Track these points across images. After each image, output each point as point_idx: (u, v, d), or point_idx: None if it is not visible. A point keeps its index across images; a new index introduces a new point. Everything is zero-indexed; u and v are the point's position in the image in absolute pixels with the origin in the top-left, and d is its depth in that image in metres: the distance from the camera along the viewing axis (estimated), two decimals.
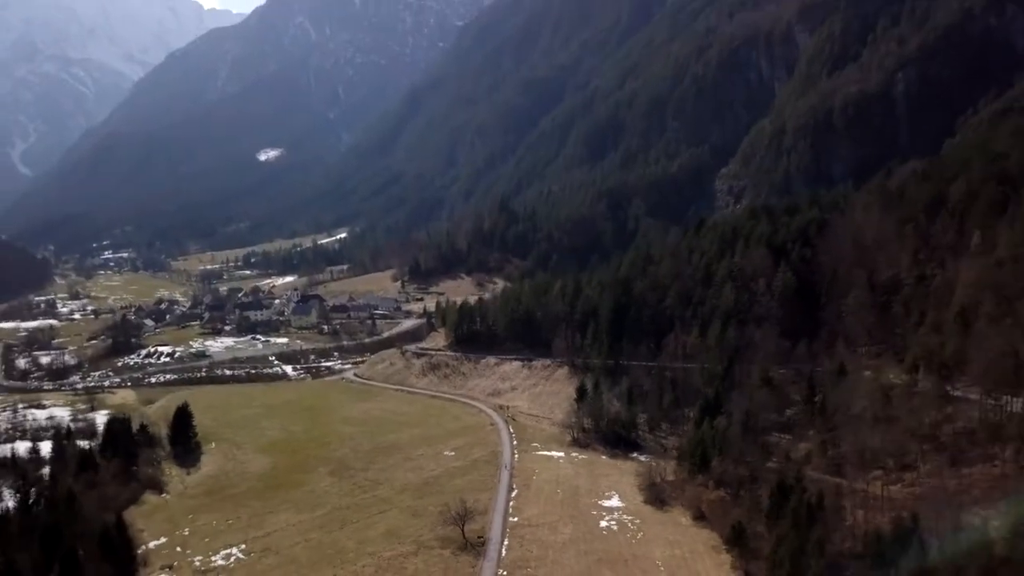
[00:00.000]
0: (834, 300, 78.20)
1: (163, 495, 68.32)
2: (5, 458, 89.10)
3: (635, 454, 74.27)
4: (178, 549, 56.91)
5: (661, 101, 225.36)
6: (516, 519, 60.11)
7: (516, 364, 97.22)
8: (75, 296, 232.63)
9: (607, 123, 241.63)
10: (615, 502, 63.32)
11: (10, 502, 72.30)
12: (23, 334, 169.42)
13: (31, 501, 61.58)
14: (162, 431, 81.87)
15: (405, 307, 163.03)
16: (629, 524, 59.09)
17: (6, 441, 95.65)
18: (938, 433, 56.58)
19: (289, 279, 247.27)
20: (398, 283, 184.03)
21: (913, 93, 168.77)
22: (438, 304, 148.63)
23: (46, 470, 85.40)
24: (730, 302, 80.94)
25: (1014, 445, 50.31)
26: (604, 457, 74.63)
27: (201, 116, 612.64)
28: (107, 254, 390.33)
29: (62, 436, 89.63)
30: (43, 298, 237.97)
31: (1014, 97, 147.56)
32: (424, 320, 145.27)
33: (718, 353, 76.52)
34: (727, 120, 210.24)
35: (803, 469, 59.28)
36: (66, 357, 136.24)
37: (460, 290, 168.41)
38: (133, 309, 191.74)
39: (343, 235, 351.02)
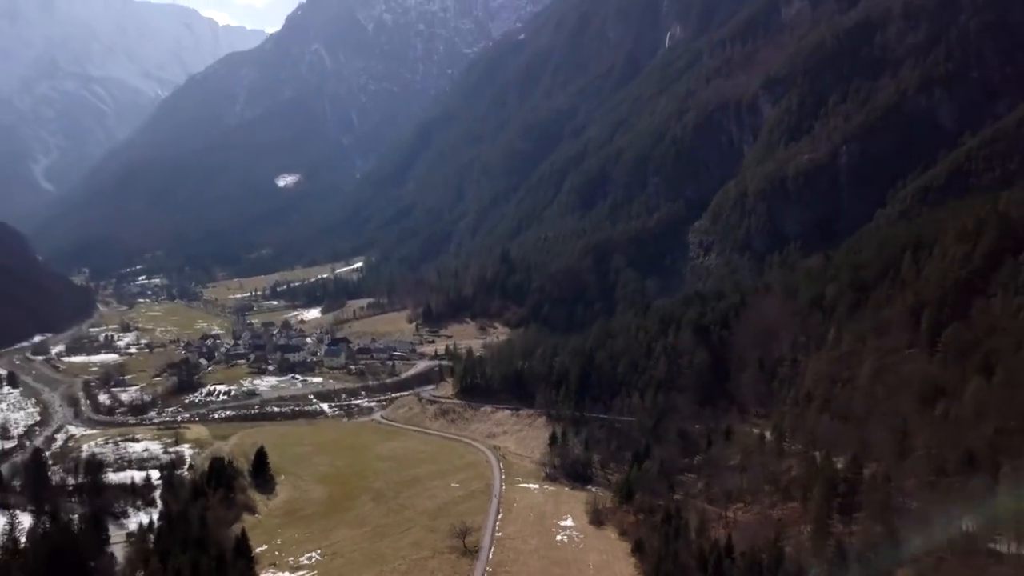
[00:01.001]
0: (737, 374, 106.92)
1: (256, 516, 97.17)
2: (125, 484, 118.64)
3: (589, 487, 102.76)
4: (276, 553, 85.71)
5: (644, 157, 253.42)
6: (500, 534, 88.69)
7: (507, 412, 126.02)
8: (126, 328, 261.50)
9: (597, 175, 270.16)
10: (569, 522, 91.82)
11: (143, 518, 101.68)
12: (94, 369, 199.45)
13: (172, 519, 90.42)
14: (243, 465, 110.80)
15: (419, 349, 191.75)
16: (575, 538, 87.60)
17: (118, 470, 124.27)
18: (779, 478, 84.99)
19: (315, 312, 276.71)
20: (412, 324, 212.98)
21: (855, 165, 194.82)
22: (447, 349, 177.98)
23: (156, 494, 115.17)
24: (663, 373, 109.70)
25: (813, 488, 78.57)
26: (567, 488, 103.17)
27: (221, 141, 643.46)
28: (141, 279, 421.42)
29: (169, 467, 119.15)
30: (97, 330, 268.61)
31: (934, 175, 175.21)
32: (435, 363, 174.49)
33: (651, 412, 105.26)
34: (701, 178, 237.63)
35: (694, 501, 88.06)
36: (143, 395, 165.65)
37: (466, 333, 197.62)
38: (183, 345, 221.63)
39: (359, 264, 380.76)
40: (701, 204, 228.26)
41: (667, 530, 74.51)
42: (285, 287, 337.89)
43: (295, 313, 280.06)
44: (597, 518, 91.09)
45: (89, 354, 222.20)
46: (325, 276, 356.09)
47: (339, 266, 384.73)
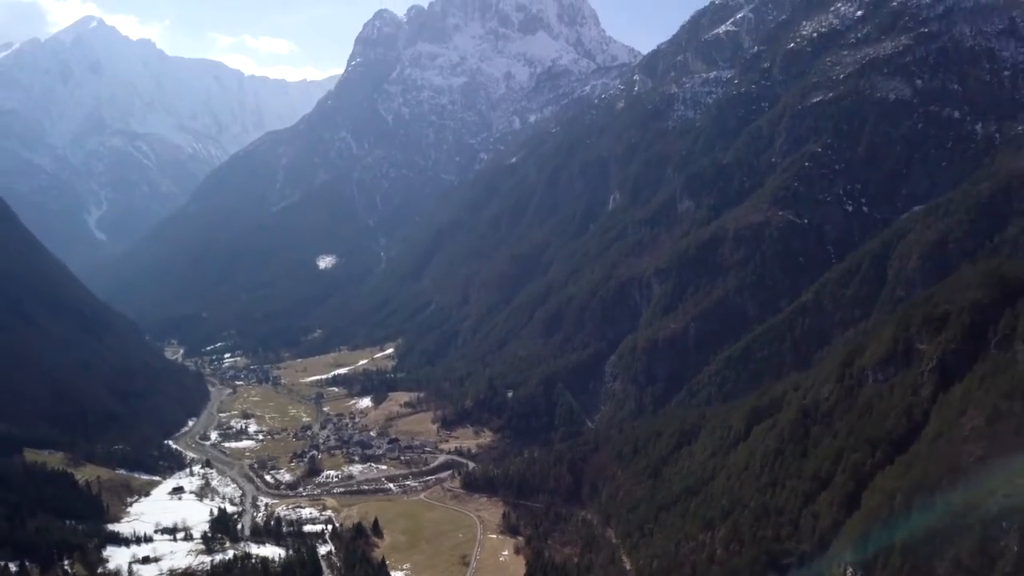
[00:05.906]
0: (585, 488, 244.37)
1: (379, 549, 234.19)
2: (311, 532, 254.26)
3: (518, 536, 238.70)
4: (391, 564, 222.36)
5: (584, 306, 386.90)
6: (478, 557, 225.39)
7: (485, 499, 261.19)
8: (245, 416, 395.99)
9: (555, 313, 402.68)
10: (506, 552, 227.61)
11: (325, 549, 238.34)
12: (248, 454, 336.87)
13: (346, 550, 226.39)
14: (367, 525, 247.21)
15: (440, 446, 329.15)
16: (508, 559, 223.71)
17: (304, 524, 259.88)
18: (583, 536, 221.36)
19: (367, 401, 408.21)
20: (434, 426, 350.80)
21: (697, 337, 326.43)
22: (456, 448, 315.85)
23: (327, 536, 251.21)
24: (552, 484, 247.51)
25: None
26: (508, 537, 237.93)
27: (270, 223, 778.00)
28: (227, 357, 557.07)
29: (326, 523, 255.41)
30: (225, 416, 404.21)
31: (735, 349, 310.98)
32: (450, 457, 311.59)
33: (546, 504, 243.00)
34: (618, 328, 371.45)
35: (554, 544, 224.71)
36: (291, 476, 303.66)
37: (467, 435, 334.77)
38: (292, 434, 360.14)
39: (391, 350, 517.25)
40: (616, 344, 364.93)
41: (539, 558, 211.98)
42: (342, 373, 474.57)
43: (354, 401, 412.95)
44: (518, 551, 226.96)
45: (236, 440, 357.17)
46: (366, 363, 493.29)
47: (376, 351, 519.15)
